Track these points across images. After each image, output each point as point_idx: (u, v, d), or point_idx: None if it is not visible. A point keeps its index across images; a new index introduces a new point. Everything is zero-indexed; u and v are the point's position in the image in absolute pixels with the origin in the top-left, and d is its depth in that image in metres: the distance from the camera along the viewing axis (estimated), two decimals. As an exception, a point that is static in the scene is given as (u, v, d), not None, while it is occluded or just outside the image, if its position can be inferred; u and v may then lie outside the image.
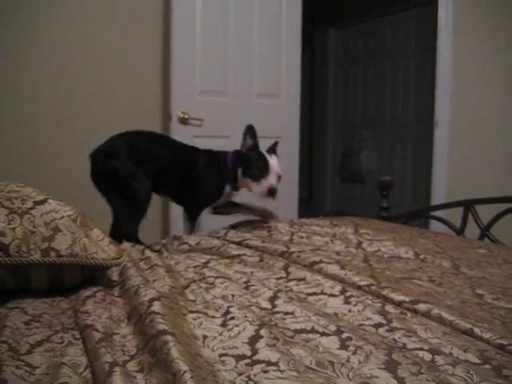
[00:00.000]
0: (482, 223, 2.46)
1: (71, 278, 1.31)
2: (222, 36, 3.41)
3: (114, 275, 1.43)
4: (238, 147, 2.13)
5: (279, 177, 2.05)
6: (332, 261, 1.54)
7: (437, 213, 2.90)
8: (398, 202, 4.85)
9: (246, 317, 1.09)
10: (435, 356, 0.92)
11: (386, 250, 1.81)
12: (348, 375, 0.85)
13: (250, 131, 2.05)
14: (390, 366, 0.87)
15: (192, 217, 2.17)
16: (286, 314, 1.14)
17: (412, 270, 1.55)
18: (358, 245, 1.87)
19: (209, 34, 3.34)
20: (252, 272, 1.50)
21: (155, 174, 2.10)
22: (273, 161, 2.04)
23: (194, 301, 1.23)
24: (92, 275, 1.36)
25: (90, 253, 1.29)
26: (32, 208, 1.30)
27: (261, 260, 1.59)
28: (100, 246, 1.33)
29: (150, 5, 3.31)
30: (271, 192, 2.00)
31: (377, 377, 0.84)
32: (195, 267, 1.53)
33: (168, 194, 2.27)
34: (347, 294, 1.26)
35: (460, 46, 3.59)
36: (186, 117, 3.26)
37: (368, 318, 1.12)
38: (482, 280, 1.47)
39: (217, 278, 1.40)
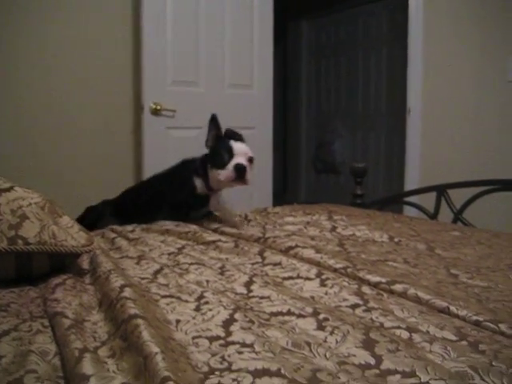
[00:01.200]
0: (454, 207, 2.48)
1: (40, 267, 1.27)
2: (193, 26, 3.36)
3: (85, 263, 1.39)
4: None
5: (250, 159, 1.85)
6: (307, 245, 1.53)
7: (410, 199, 2.92)
8: (372, 191, 4.87)
9: (220, 301, 1.07)
10: (412, 334, 0.91)
11: (360, 234, 1.81)
12: (325, 355, 0.84)
13: (214, 122, 1.90)
14: (368, 345, 0.86)
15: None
16: (262, 298, 1.12)
17: (387, 253, 1.55)
18: (333, 229, 1.87)
19: (180, 23, 3.30)
20: (227, 258, 1.48)
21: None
22: (238, 145, 1.86)
23: (167, 285, 1.20)
24: (61, 264, 1.32)
25: (59, 240, 1.25)
26: (-3, 196, 1.26)
27: (236, 246, 1.57)
28: (69, 233, 1.29)
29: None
30: (238, 170, 1.79)
31: (354, 355, 0.83)
32: (169, 254, 1.50)
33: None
34: (323, 276, 1.25)
35: (431, 32, 3.61)
36: (159, 108, 3.22)
37: (345, 300, 1.11)
38: (456, 260, 1.47)
39: (191, 264, 1.38)
